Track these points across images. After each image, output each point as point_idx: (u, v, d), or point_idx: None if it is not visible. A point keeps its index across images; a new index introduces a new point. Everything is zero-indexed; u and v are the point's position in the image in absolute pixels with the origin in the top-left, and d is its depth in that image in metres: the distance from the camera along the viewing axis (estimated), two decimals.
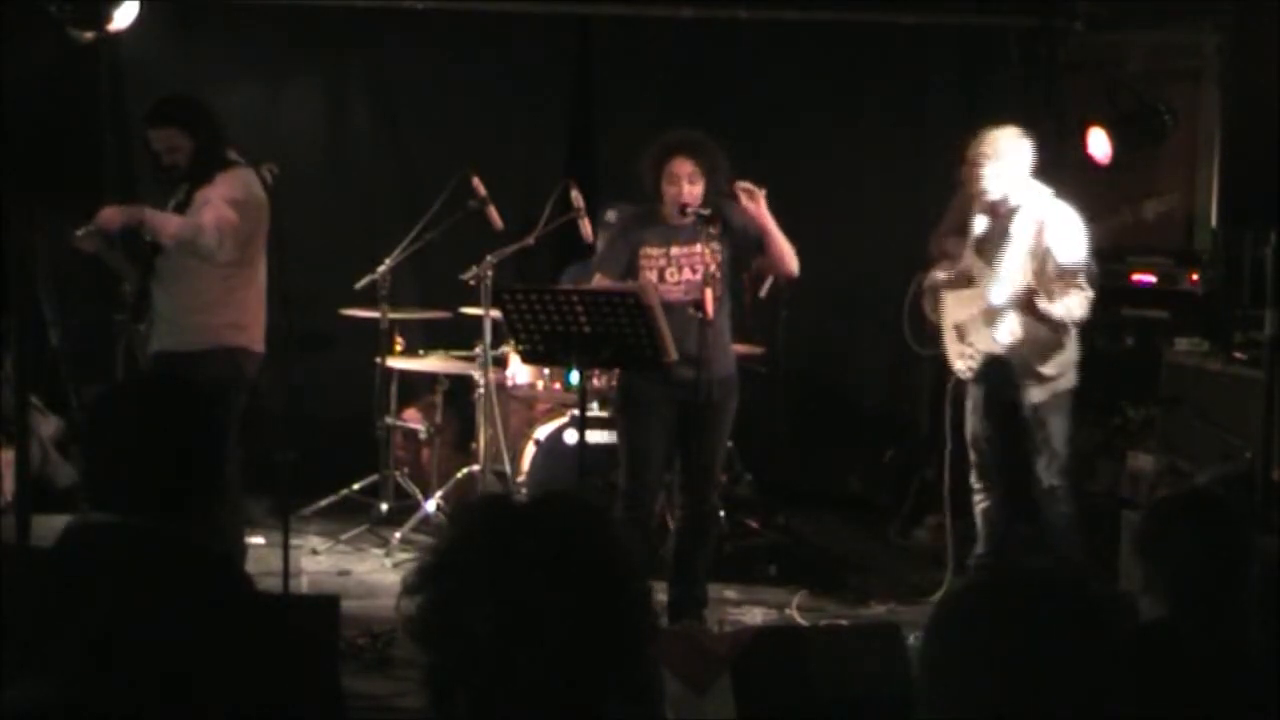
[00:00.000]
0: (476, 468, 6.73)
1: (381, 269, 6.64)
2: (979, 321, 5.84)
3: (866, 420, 7.97)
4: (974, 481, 6.01)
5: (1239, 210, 5.86)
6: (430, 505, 6.67)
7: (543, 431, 6.65)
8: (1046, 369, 5.72)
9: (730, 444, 6.14)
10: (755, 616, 5.82)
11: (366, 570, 6.34)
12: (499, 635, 1.60)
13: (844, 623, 5.66)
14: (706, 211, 5.23)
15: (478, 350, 6.67)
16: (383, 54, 7.63)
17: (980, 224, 5.81)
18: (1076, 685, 1.63)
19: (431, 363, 7.02)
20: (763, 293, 6.61)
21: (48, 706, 2.22)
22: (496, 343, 6.66)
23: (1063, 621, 1.67)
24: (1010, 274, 5.64)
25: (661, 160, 5.29)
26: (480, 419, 6.72)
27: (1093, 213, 6.04)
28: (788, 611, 5.91)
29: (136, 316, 5.63)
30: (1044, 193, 5.68)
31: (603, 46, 7.75)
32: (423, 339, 7.36)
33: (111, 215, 5.39)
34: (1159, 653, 2.74)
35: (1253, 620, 2.80)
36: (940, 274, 6.95)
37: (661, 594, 5.39)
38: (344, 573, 6.30)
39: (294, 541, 5.63)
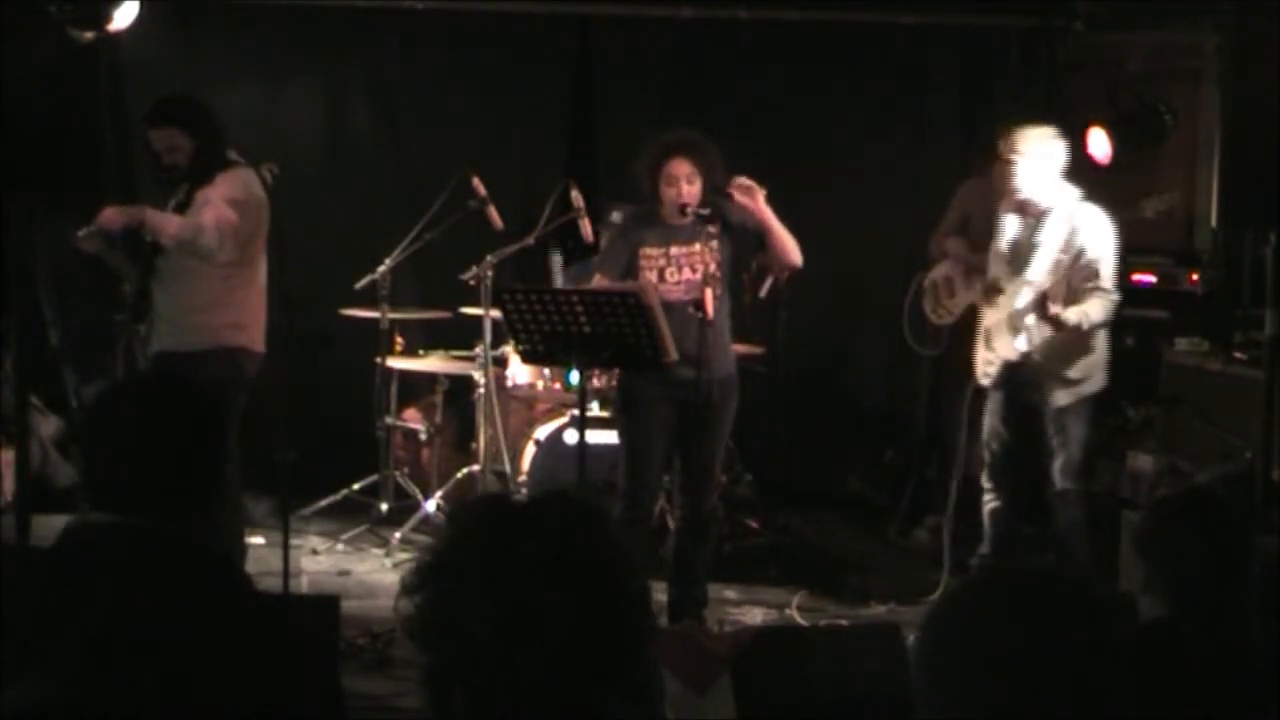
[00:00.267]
0: (476, 468, 6.73)
1: (381, 269, 6.64)
2: (1003, 327, 5.82)
3: (866, 420, 7.97)
4: (984, 482, 6.01)
5: (1239, 210, 5.86)
6: (430, 505, 6.67)
7: (543, 431, 6.65)
8: (1072, 372, 5.69)
9: (730, 444, 6.14)
10: (755, 616, 5.82)
11: (366, 570, 6.34)
12: (497, 635, 1.60)
13: (844, 623, 5.66)
14: (707, 211, 5.23)
15: (478, 350, 6.67)
16: (383, 54, 7.63)
17: (1011, 226, 5.78)
18: (1073, 684, 1.63)
19: (431, 363, 7.02)
20: (763, 293, 6.61)
21: (48, 706, 2.22)
22: (496, 343, 6.66)
23: (1059, 620, 1.66)
24: (1038, 278, 5.61)
25: (658, 162, 5.29)
26: (480, 419, 6.72)
27: None
28: (788, 611, 5.91)
29: (137, 316, 5.63)
30: (1074, 194, 5.67)
31: (603, 46, 7.75)
32: (423, 339, 7.36)
33: (112, 216, 5.40)
34: (1159, 652, 2.74)
35: (1253, 620, 2.80)
36: (939, 273, 6.97)
37: (661, 594, 5.39)
38: (344, 573, 6.30)
39: (294, 541, 5.64)
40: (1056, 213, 5.62)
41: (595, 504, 1.74)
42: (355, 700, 4.61)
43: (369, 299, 6.74)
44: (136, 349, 5.75)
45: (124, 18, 6.45)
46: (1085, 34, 7.50)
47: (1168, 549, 2.87)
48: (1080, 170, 6.70)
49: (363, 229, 7.37)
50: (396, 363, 6.93)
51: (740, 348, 5.97)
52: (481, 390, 6.68)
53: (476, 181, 6.43)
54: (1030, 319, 5.62)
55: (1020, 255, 5.72)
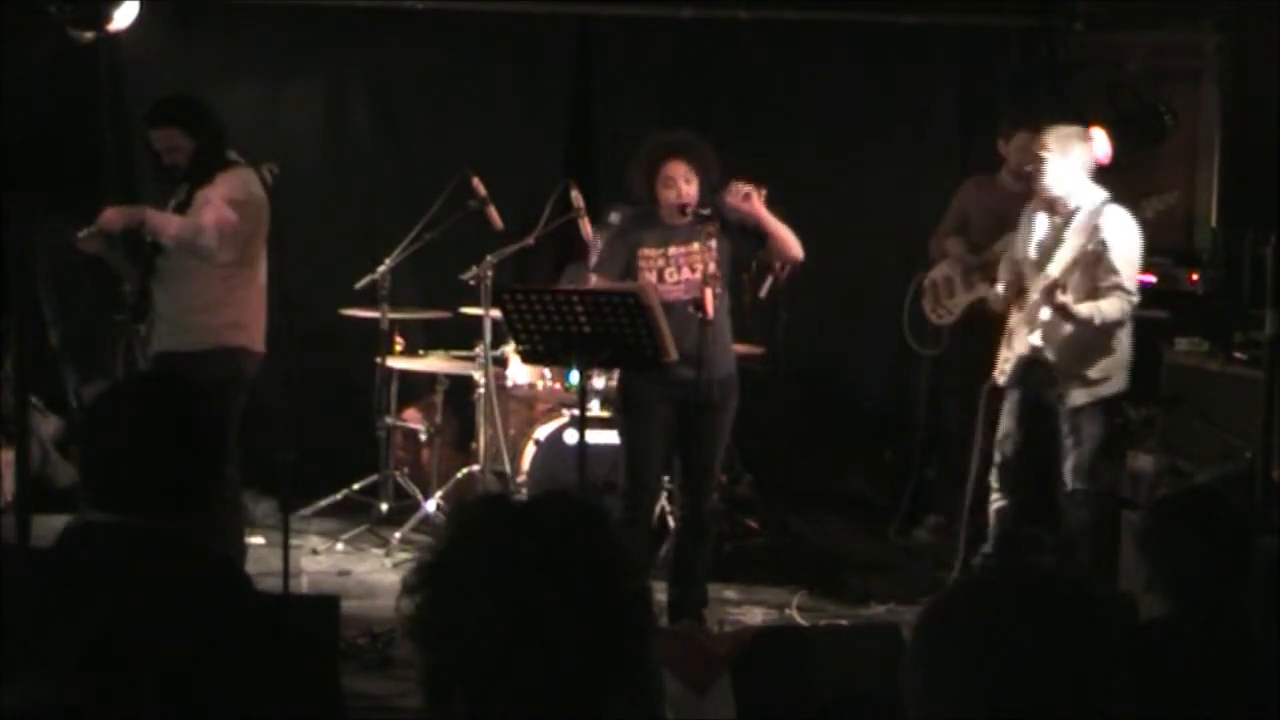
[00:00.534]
0: (476, 468, 6.73)
1: (381, 269, 6.64)
2: (1021, 324, 5.81)
3: (866, 420, 7.97)
4: (993, 480, 6.01)
5: (1239, 210, 5.86)
6: (430, 505, 6.67)
7: (543, 431, 6.65)
8: (1091, 372, 5.67)
9: (730, 444, 6.14)
10: (755, 616, 5.82)
11: (366, 570, 6.34)
12: (497, 635, 1.60)
13: (844, 623, 5.66)
14: (707, 211, 5.23)
15: (478, 350, 6.67)
16: (383, 54, 7.63)
17: (1040, 225, 5.77)
18: (1069, 685, 1.63)
19: (431, 363, 7.02)
20: (763, 293, 6.61)
21: (48, 706, 2.22)
22: (496, 343, 6.66)
23: (1054, 620, 1.66)
24: (1056, 274, 5.59)
25: (654, 165, 5.29)
26: (480, 419, 6.72)
27: None
28: (788, 611, 5.91)
29: (137, 316, 5.63)
30: (1101, 195, 5.67)
31: (603, 46, 7.74)
32: (423, 339, 7.36)
33: (113, 216, 5.40)
34: (1161, 651, 2.74)
35: (1254, 619, 2.81)
36: (939, 273, 6.97)
37: (661, 594, 5.39)
38: (344, 573, 6.30)
39: (294, 541, 5.63)
40: (1083, 212, 5.61)
41: (595, 504, 1.74)
42: (355, 700, 4.61)
43: (369, 299, 6.74)
44: (136, 349, 5.75)
45: (124, 18, 6.45)
46: (1085, 34, 7.50)
47: (1169, 548, 2.87)
48: None
49: (363, 229, 7.37)
50: (396, 363, 6.93)
51: (740, 348, 5.97)
52: (481, 390, 6.68)
53: (476, 181, 6.43)
54: (1045, 312, 5.61)
55: (1046, 254, 5.70)
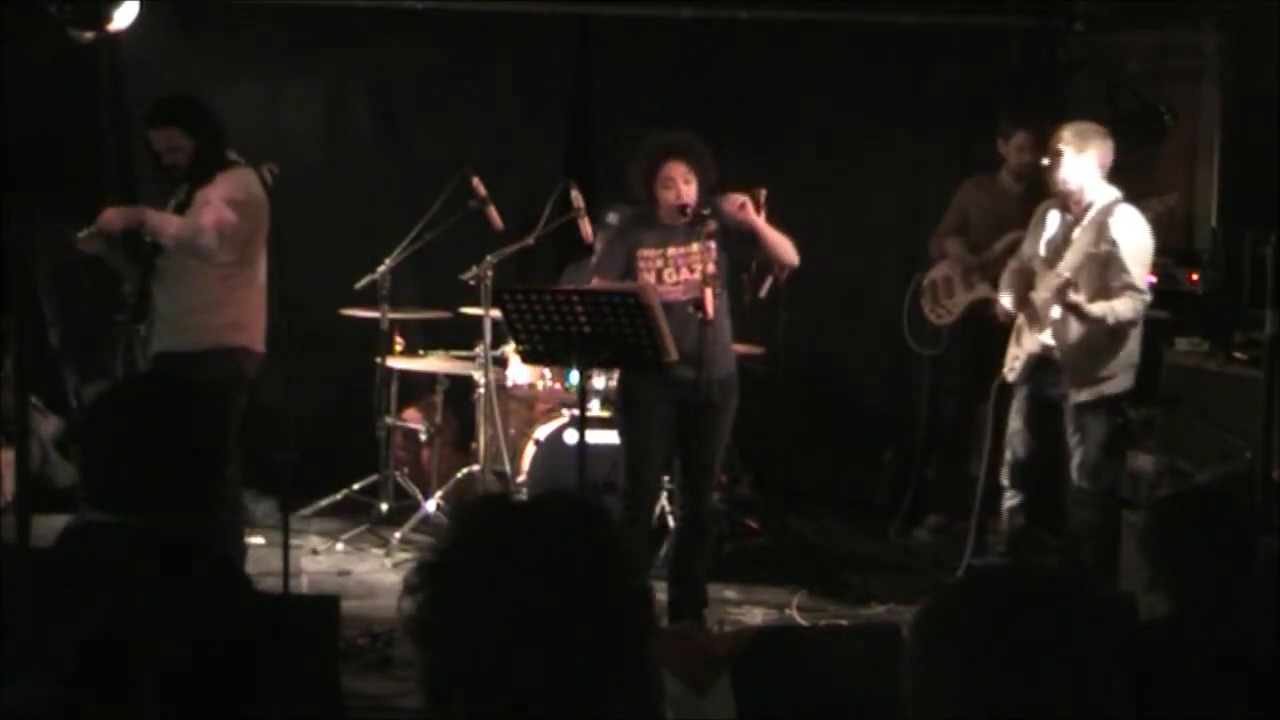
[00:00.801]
0: (476, 468, 6.73)
1: (381, 269, 6.64)
2: (1032, 322, 5.80)
3: (866, 420, 7.96)
4: (1003, 479, 6.01)
5: (1239, 210, 5.85)
6: (430, 505, 6.67)
7: (543, 431, 6.65)
8: (1098, 370, 5.66)
9: (730, 444, 6.14)
10: (755, 616, 5.82)
11: (366, 570, 6.34)
12: (497, 635, 1.60)
13: (844, 623, 5.66)
14: (707, 211, 5.23)
15: (478, 350, 6.67)
16: (383, 54, 7.63)
17: (1052, 222, 5.76)
18: (1066, 683, 1.63)
19: (431, 363, 7.02)
20: (763, 293, 6.61)
21: (48, 706, 2.22)
22: (496, 343, 6.66)
23: (1051, 619, 1.66)
24: (1068, 272, 5.58)
25: (654, 165, 5.29)
26: (480, 419, 6.72)
27: None
28: (788, 611, 5.91)
29: (137, 316, 5.63)
30: (1114, 194, 5.66)
31: (603, 46, 7.74)
32: (423, 339, 7.36)
33: (113, 217, 5.40)
34: (1162, 651, 2.74)
35: (1256, 618, 2.81)
36: (938, 273, 6.97)
37: (661, 594, 5.39)
38: (344, 573, 6.30)
39: (294, 541, 5.63)
40: (1094, 210, 5.61)
41: (595, 504, 1.74)
42: (355, 700, 4.60)
43: (369, 299, 6.74)
44: (136, 349, 5.75)
45: (124, 18, 6.45)
46: (1085, 34, 7.50)
47: (1170, 548, 2.87)
48: None
49: (363, 229, 7.36)
50: (396, 363, 6.93)
51: (740, 348, 5.97)
52: (481, 390, 6.68)
53: (476, 181, 6.43)
54: (1055, 311, 5.61)
55: (1056, 252, 5.70)
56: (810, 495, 7.57)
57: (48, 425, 6.81)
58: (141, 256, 5.57)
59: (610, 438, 5.83)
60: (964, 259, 6.82)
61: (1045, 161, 5.70)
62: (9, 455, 5.91)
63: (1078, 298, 5.43)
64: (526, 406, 7.01)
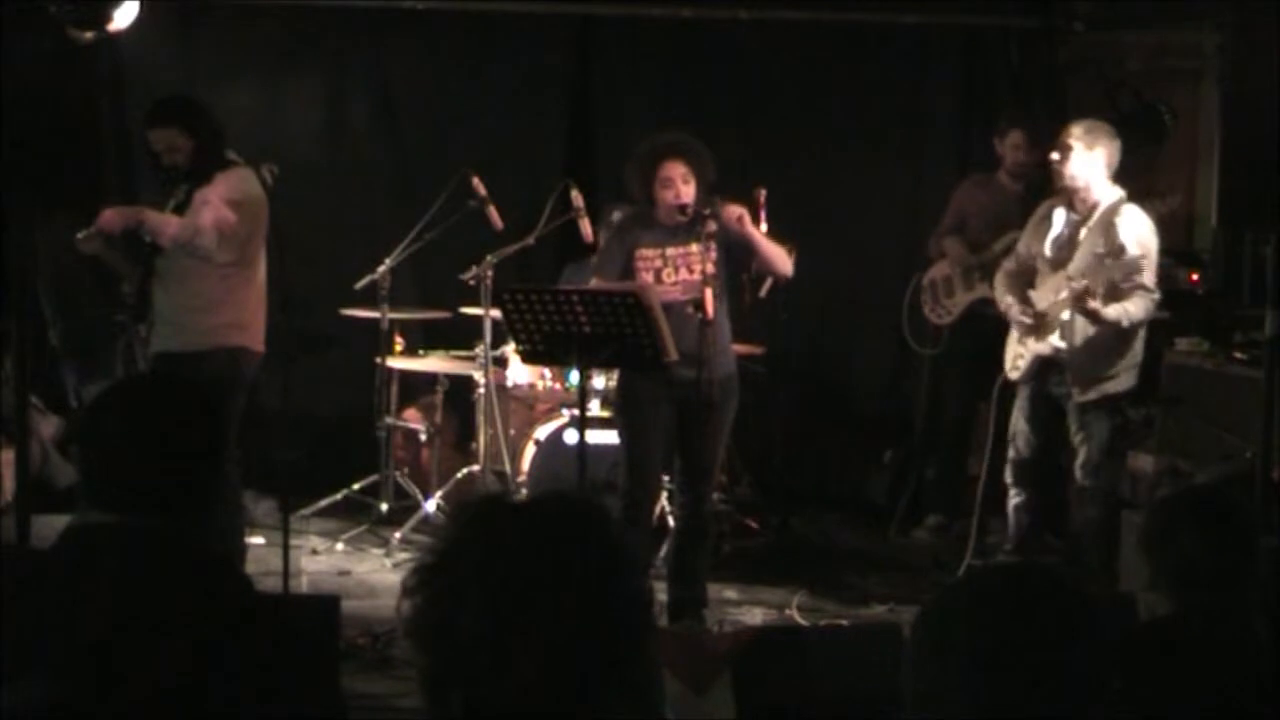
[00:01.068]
0: (476, 468, 6.73)
1: (381, 269, 6.64)
2: (1039, 321, 5.79)
3: (866, 420, 7.96)
4: (1008, 478, 6.01)
5: (1239, 210, 5.86)
6: (430, 505, 6.67)
7: (543, 431, 6.65)
8: (1104, 369, 5.66)
9: (730, 444, 6.14)
10: (755, 616, 5.82)
11: (366, 570, 6.34)
12: (495, 636, 1.60)
13: (844, 623, 5.65)
14: (708, 211, 5.23)
15: (478, 350, 6.67)
16: (383, 54, 7.63)
17: (1058, 221, 5.75)
18: (1066, 683, 1.63)
19: (431, 363, 7.02)
20: (763, 293, 6.61)
21: (48, 706, 2.22)
22: (496, 343, 6.66)
23: (1052, 619, 1.66)
24: (1077, 274, 5.58)
25: (652, 165, 5.29)
26: (480, 419, 6.72)
27: None
28: (788, 611, 5.91)
29: (136, 317, 5.64)
30: (1119, 193, 5.66)
31: (603, 46, 7.74)
32: (423, 339, 7.36)
33: (112, 217, 5.41)
34: (1163, 651, 2.74)
35: (1257, 618, 2.80)
36: (938, 272, 6.96)
37: (661, 594, 5.39)
38: (344, 573, 6.30)
39: (294, 541, 5.63)
40: (1101, 210, 5.61)
41: (595, 504, 1.74)
42: (355, 700, 4.60)
43: (369, 299, 6.74)
44: (136, 349, 5.75)
45: (124, 18, 6.44)
46: (1085, 34, 7.50)
47: (1171, 548, 2.87)
48: None
49: (363, 229, 7.36)
50: (396, 363, 6.93)
51: (740, 348, 5.97)
52: (481, 390, 6.68)
53: (476, 181, 6.43)
54: (1066, 314, 5.61)
55: (1063, 250, 5.70)
56: (810, 495, 7.57)
57: (48, 425, 6.81)
58: (141, 257, 5.57)
59: (610, 438, 5.83)
60: (964, 259, 6.82)
61: (1055, 156, 5.69)
62: (9, 455, 5.91)
63: (1095, 303, 5.43)
64: (526, 406, 7.01)
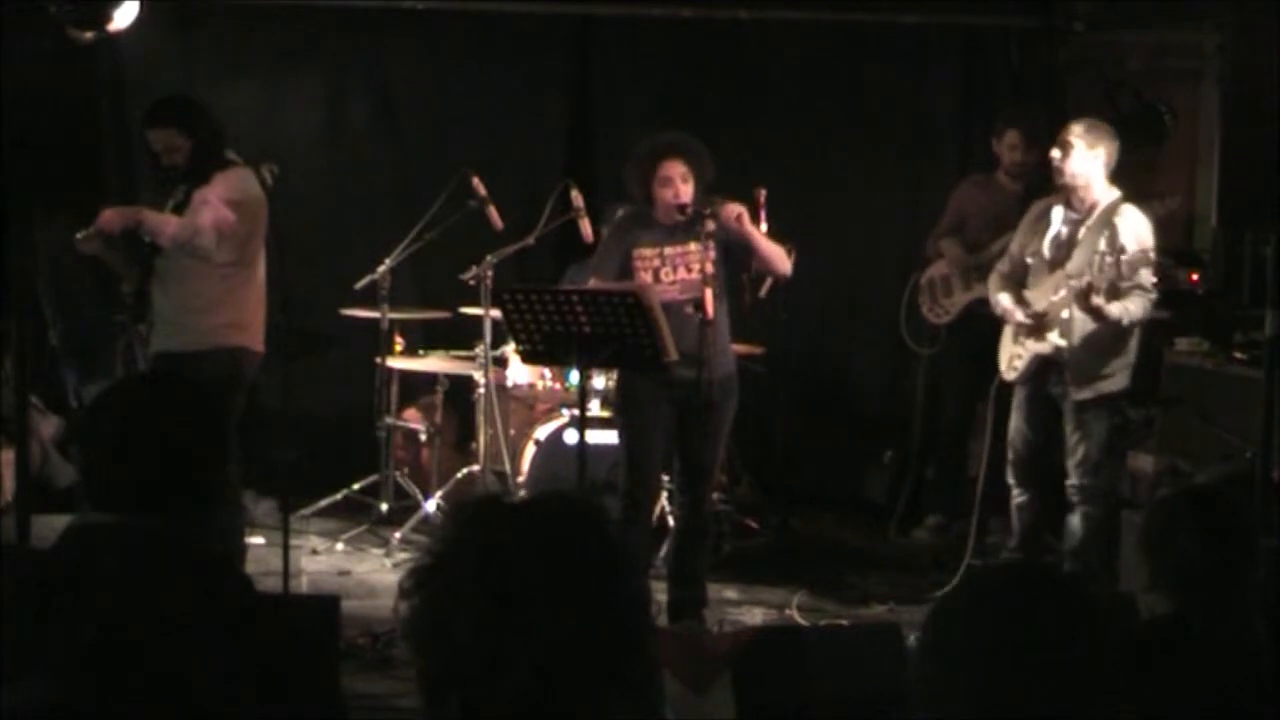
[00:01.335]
0: (476, 468, 6.73)
1: (381, 269, 6.64)
2: (1037, 321, 5.78)
3: (866, 420, 7.96)
4: (1010, 478, 6.01)
5: (1239, 210, 5.85)
6: (430, 505, 6.67)
7: (543, 431, 6.65)
8: (1100, 368, 5.66)
9: (730, 444, 6.14)
10: (755, 616, 5.82)
11: (366, 570, 6.34)
12: (495, 635, 1.60)
13: (844, 623, 5.65)
14: (707, 210, 5.23)
15: (478, 350, 6.67)
16: (383, 54, 7.63)
17: (1056, 220, 5.75)
18: (1068, 682, 1.63)
19: (431, 363, 7.02)
20: (763, 292, 6.61)
21: (48, 706, 2.22)
22: (496, 343, 6.66)
23: (1056, 618, 1.66)
24: (1077, 273, 5.58)
25: (651, 165, 5.29)
26: (480, 419, 6.72)
27: None
28: (788, 611, 5.91)
29: (136, 317, 5.64)
30: (1116, 193, 5.66)
31: (603, 46, 7.74)
32: (423, 339, 7.36)
33: (111, 217, 5.41)
34: (1164, 650, 2.74)
35: (1257, 617, 2.81)
36: (936, 272, 6.96)
37: (661, 594, 5.39)
38: (344, 573, 6.30)
39: (294, 541, 5.63)
40: (1099, 210, 5.61)
41: (594, 504, 1.74)
42: (355, 700, 4.60)
43: (369, 299, 6.74)
44: (136, 349, 5.76)
45: (124, 18, 6.44)
46: (1085, 34, 7.50)
47: (1171, 548, 2.87)
48: None
49: (363, 229, 7.36)
50: (396, 363, 6.93)
51: (740, 348, 5.97)
52: (481, 390, 6.68)
53: (476, 181, 6.43)
54: (1066, 313, 5.60)
55: (1062, 249, 5.70)
56: (810, 495, 7.57)
57: (48, 425, 6.81)
58: (140, 257, 5.57)
59: (610, 438, 5.83)
60: (962, 259, 6.82)
61: (1055, 154, 5.68)
62: (9, 455, 5.91)
63: (1099, 301, 5.43)
64: (526, 406, 7.01)
